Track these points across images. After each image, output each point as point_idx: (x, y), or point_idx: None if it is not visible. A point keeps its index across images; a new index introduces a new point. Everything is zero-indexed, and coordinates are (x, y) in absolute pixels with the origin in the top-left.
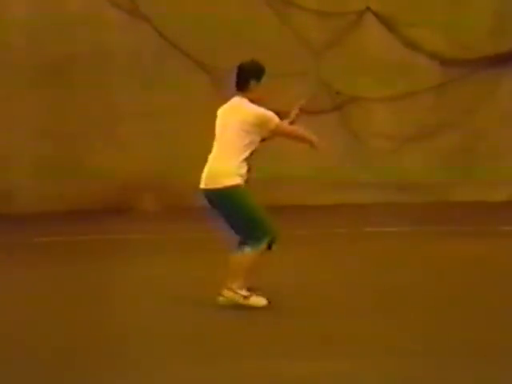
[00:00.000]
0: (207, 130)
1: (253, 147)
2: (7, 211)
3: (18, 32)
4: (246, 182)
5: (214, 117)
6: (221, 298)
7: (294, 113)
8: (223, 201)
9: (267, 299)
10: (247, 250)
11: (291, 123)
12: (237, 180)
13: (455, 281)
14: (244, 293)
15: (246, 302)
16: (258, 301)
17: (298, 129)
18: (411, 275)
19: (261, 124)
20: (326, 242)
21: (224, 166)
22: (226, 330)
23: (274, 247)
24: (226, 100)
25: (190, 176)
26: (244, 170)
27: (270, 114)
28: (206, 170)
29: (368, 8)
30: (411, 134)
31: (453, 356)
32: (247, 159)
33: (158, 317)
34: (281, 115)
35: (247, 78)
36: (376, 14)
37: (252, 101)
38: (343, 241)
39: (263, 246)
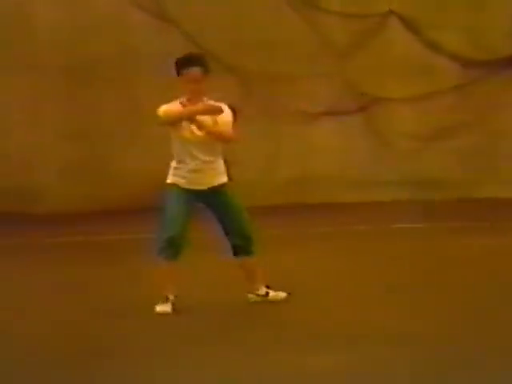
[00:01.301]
0: (234, 130)
1: (178, 146)
2: (34, 211)
3: (46, 34)
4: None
5: (241, 121)
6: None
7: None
8: None
9: (288, 293)
10: None
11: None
12: (169, 179)
13: (472, 276)
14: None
15: None
16: None
17: (193, 107)
18: (432, 270)
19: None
20: (349, 238)
21: None
22: (249, 324)
23: (164, 254)
24: (252, 101)
25: None
26: (180, 171)
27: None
28: None
29: (391, 10)
30: (433, 133)
31: (474, 352)
32: (181, 158)
33: (182, 314)
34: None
35: None
36: (399, 16)
37: (176, 97)
38: (366, 238)
39: (158, 249)
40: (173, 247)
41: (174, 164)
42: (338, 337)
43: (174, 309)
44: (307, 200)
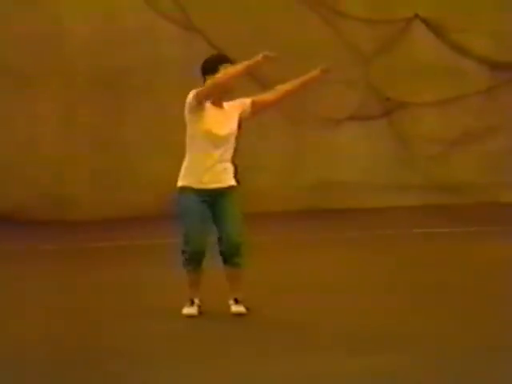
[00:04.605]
0: (258, 138)
1: (197, 142)
2: (65, 218)
3: (76, 46)
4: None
5: (266, 126)
6: None
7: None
8: None
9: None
10: None
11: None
12: (181, 181)
13: (501, 281)
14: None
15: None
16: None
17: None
18: (458, 276)
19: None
20: (374, 243)
21: None
22: (280, 328)
23: (189, 267)
24: (276, 107)
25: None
26: (194, 170)
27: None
28: None
29: (416, 15)
30: (460, 137)
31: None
32: (198, 156)
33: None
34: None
35: None
36: (424, 21)
37: None
38: (391, 242)
39: (183, 261)
40: (197, 259)
41: (186, 164)
42: (367, 341)
43: (200, 311)
44: (331, 205)
